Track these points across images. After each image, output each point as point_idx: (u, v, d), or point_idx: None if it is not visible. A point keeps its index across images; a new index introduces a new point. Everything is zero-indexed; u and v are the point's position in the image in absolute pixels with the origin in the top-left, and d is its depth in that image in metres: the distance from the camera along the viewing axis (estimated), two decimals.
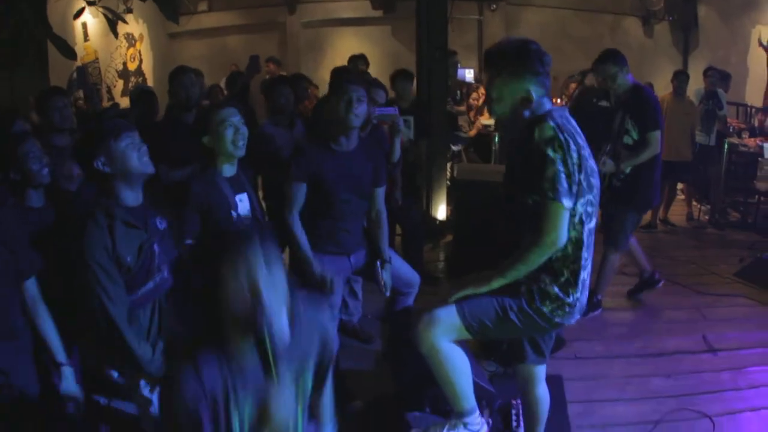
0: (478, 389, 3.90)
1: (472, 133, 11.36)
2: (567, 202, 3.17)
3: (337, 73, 7.48)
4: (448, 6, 8.47)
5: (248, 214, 4.15)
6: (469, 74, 14.37)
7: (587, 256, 3.42)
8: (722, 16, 14.32)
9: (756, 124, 11.70)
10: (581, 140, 3.27)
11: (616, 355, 5.88)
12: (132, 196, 3.36)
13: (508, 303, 3.40)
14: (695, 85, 10.53)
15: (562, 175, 3.13)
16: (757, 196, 10.04)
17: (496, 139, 10.21)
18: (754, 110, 12.39)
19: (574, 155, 3.16)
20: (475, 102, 11.98)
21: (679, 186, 10.52)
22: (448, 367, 3.53)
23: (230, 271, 2.12)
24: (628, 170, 6.25)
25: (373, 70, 8.75)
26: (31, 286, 3.34)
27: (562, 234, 3.22)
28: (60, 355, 3.42)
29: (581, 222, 3.31)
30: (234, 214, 4.06)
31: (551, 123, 3.17)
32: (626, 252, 6.76)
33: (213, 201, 3.99)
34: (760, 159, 9.69)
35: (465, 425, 3.67)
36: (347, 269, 4.84)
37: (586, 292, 3.51)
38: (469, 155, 11.00)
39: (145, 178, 3.38)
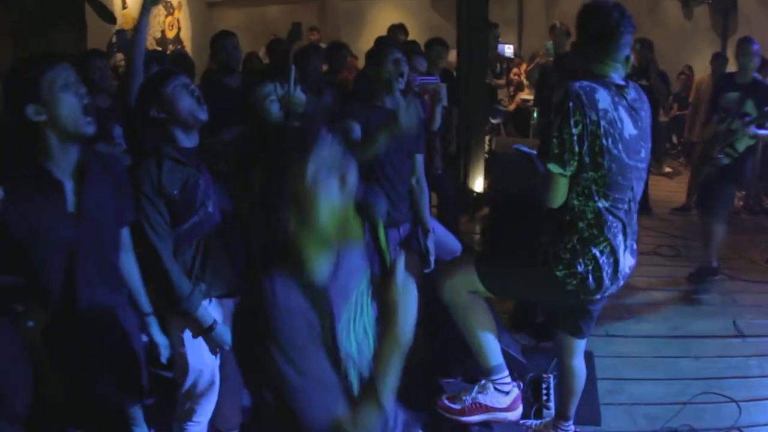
0: (509, 360, 3.97)
1: (512, 107, 11.34)
2: (554, 168, 3.25)
3: (381, 42, 7.54)
4: None
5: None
6: (508, 49, 14.26)
7: (598, 234, 3.39)
8: (761, 1, 14.14)
9: None
10: (596, 115, 3.21)
11: (646, 335, 5.92)
12: (186, 139, 3.42)
13: (527, 263, 3.49)
14: (733, 69, 10.44)
15: (554, 141, 3.21)
16: None
17: (535, 113, 10.16)
18: None
19: (576, 127, 3.18)
20: (516, 77, 11.94)
21: None
22: (471, 319, 3.64)
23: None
24: (742, 150, 6.52)
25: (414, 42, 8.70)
26: (126, 234, 3.38)
27: (551, 196, 3.35)
28: (146, 305, 3.49)
29: (584, 195, 3.33)
30: None
31: (564, 90, 3.22)
32: (702, 229, 7.01)
33: None
34: None
35: (493, 384, 3.74)
36: (396, 241, 4.84)
37: (608, 272, 3.47)
38: (507, 129, 10.99)
39: (198, 121, 3.42)
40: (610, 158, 3.27)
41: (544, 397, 4.47)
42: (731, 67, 10.07)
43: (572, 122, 3.16)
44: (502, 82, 11.81)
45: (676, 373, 5.26)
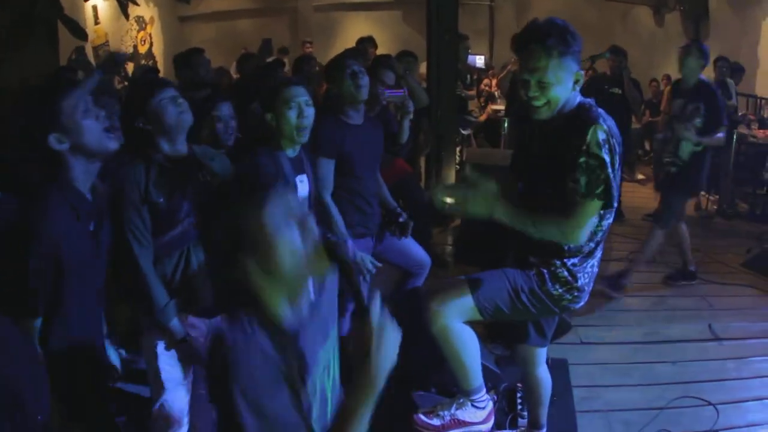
0: (484, 371, 3.92)
1: (482, 118, 11.36)
2: (615, 205, 3.22)
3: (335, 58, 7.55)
4: None
5: (306, 196, 4.13)
6: (479, 60, 14.34)
7: (599, 249, 3.46)
8: (733, 7, 14.25)
9: (765, 115, 11.65)
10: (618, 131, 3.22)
11: (621, 341, 5.90)
12: (173, 149, 3.41)
13: (520, 285, 3.43)
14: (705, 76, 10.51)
15: (612, 179, 3.11)
16: (765, 188, 10.02)
17: (505, 124, 10.20)
18: (764, 101, 12.34)
19: (618, 160, 3.15)
20: (487, 88, 11.96)
21: None
22: (459, 347, 3.55)
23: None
24: (686, 157, 6.54)
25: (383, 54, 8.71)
26: None
27: (586, 236, 3.25)
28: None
29: (600, 216, 3.29)
30: (299, 195, 4.03)
31: (604, 125, 3.11)
32: (671, 236, 6.98)
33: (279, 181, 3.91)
34: None
35: (472, 402, 3.71)
36: (370, 249, 4.90)
37: (593, 279, 3.54)
38: (478, 140, 11.00)
39: (184, 130, 3.42)
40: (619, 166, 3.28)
41: (519, 407, 4.46)
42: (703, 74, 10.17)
43: (617, 157, 3.14)
44: (472, 92, 11.82)
45: (653, 378, 5.25)
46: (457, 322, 3.50)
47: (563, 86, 3.17)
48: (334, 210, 4.53)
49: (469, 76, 11.44)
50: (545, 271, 3.41)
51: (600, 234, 3.38)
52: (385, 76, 5.87)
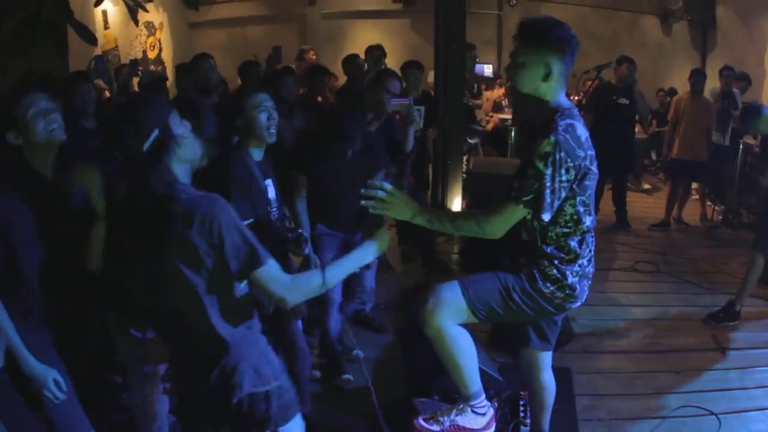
0: (486, 378, 3.95)
1: (489, 127, 11.37)
2: (546, 216, 3.26)
3: (349, 60, 7.97)
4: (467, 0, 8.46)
5: (275, 197, 4.18)
6: (488, 69, 14.34)
7: (585, 247, 3.49)
8: (741, 16, 14.23)
9: None
10: (582, 153, 3.28)
11: (625, 351, 5.93)
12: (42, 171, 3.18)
13: (511, 284, 3.47)
14: (713, 85, 10.54)
15: (548, 191, 3.20)
16: None
17: (513, 133, 10.24)
18: None
19: (568, 174, 3.22)
20: (494, 97, 12.00)
21: (694, 185, 10.54)
22: (454, 349, 3.56)
23: None
24: None
25: (392, 63, 8.68)
26: None
27: (502, 231, 3.37)
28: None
29: (574, 221, 3.40)
30: (269, 197, 4.11)
31: (552, 138, 3.18)
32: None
33: (253, 184, 3.99)
34: None
35: (471, 408, 3.72)
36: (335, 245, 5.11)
37: (588, 279, 3.59)
38: (485, 149, 11.01)
39: (52, 150, 3.16)
40: (591, 176, 3.36)
41: (521, 414, 4.47)
42: (710, 82, 10.18)
43: (563, 170, 3.20)
44: (480, 102, 11.88)
45: (656, 387, 5.27)
46: (452, 324, 3.52)
47: (532, 72, 3.35)
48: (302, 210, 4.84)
49: (476, 86, 11.47)
50: (535, 270, 3.45)
51: (579, 236, 3.44)
52: (391, 85, 5.92)
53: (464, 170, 8.92)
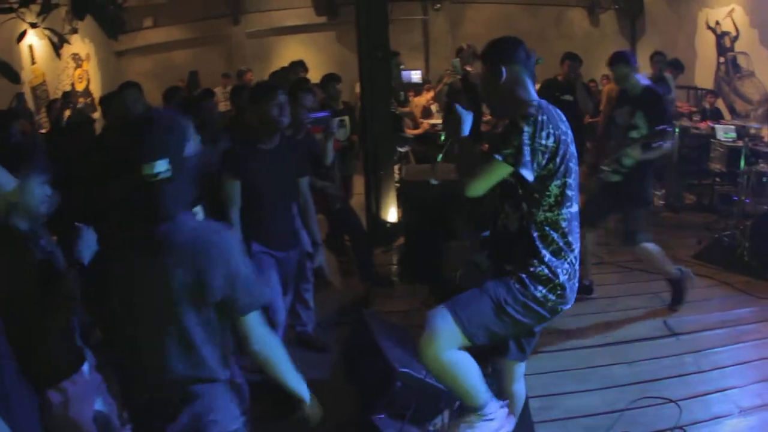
0: (436, 392, 3.90)
1: (419, 131, 11.38)
2: (526, 173, 3.25)
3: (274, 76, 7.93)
4: (389, 7, 8.39)
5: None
6: (415, 75, 14.37)
7: (571, 241, 3.46)
8: (668, 2, 14.40)
9: (707, 106, 11.74)
10: (564, 127, 3.38)
11: (576, 347, 5.84)
12: None
13: (503, 297, 3.39)
14: (644, 72, 10.58)
15: (527, 148, 3.22)
16: (711, 178, 10.11)
17: (442, 137, 10.19)
18: (704, 93, 12.44)
19: (548, 138, 3.25)
20: (423, 102, 12.00)
21: None
22: (456, 375, 3.48)
23: None
24: (629, 165, 6.31)
25: (320, 76, 8.67)
26: None
27: (483, 188, 3.42)
28: None
29: (558, 204, 3.37)
30: None
31: (536, 103, 3.34)
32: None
33: None
34: (712, 141, 9.71)
35: (482, 417, 3.63)
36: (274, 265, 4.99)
37: (576, 277, 3.54)
38: (416, 156, 10.97)
39: None
40: (574, 159, 3.40)
41: None
42: (640, 70, 10.22)
43: (544, 134, 3.24)
44: (407, 110, 11.87)
45: (611, 381, 5.19)
46: (449, 352, 3.42)
47: (489, 82, 3.57)
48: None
49: (403, 93, 11.47)
50: (524, 275, 3.38)
51: (566, 222, 3.41)
52: (304, 99, 5.84)
53: (397, 179, 8.83)
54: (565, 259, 3.42)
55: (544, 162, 3.27)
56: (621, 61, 6.43)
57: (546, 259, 3.37)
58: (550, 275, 3.37)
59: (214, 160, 5.21)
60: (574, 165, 3.40)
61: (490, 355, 4.45)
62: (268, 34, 16.91)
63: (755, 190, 8.04)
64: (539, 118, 3.23)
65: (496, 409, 3.64)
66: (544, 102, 3.39)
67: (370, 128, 8.02)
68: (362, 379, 4.38)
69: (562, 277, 3.40)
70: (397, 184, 8.65)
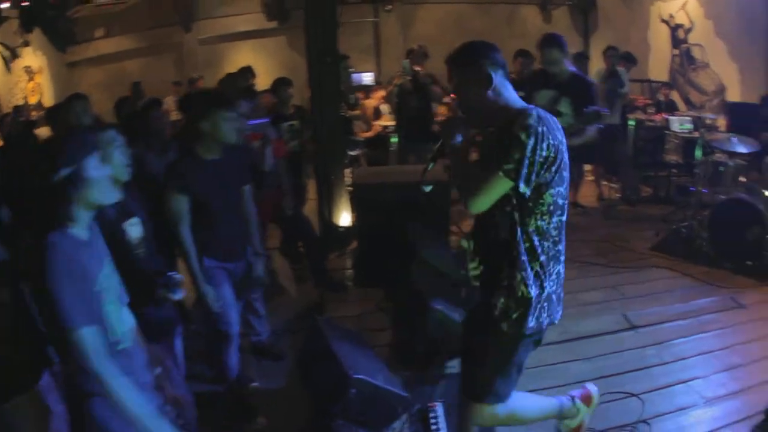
0: (392, 397, 3.86)
1: (370, 134, 11.35)
2: (522, 187, 3.21)
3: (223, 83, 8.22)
4: (338, 10, 8.33)
5: (141, 237, 4.04)
6: (366, 78, 14.32)
7: (561, 249, 3.47)
8: None
9: (662, 98, 11.81)
10: (560, 136, 3.30)
11: None
12: None
13: (511, 351, 3.49)
14: (598, 66, 10.64)
15: (526, 161, 3.16)
16: (667, 170, 10.14)
17: (393, 139, 10.30)
18: (658, 85, 12.53)
19: (548, 150, 3.19)
20: (374, 104, 11.98)
21: (587, 168, 10.50)
22: (521, 417, 3.79)
23: None
24: None
25: (270, 82, 8.61)
26: None
27: (486, 203, 3.31)
28: None
29: (549, 213, 3.34)
30: (129, 239, 4.00)
31: (534, 113, 3.21)
32: None
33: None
34: (666, 132, 9.76)
35: (567, 416, 4.10)
36: (227, 278, 4.98)
37: (561, 302, 3.55)
38: (367, 159, 10.94)
39: None
40: (566, 167, 3.36)
41: (434, 427, 4.31)
42: (595, 64, 10.28)
43: (544, 145, 3.17)
44: (357, 113, 11.86)
45: (570, 378, 5.11)
46: (499, 408, 3.63)
47: (471, 90, 3.44)
48: (188, 242, 4.71)
49: (353, 96, 11.44)
50: (503, 299, 3.38)
51: (552, 232, 3.39)
52: (240, 105, 5.80)
53: (348, 183, 8.79)
54: (553, 269, 3.41)
55: (542, 172, 3.23)
56: (555, 45, 6.45)
57: (532, 273, 3.35)
58: (532, 292, 3.35)
59: (161, 170, 5.14)
60: (566, 173, 3.36)
61: (425, 366, 4.48)
62: (220, 41, 16.81)
63: (712, 180, 8.04)
64: (539, 129, 3.16)
65: (571, 403, 4.04)
66: (542, 111, 3.29)
67: (320, 133, 7.98)
68: (317, 385, 4.32)
69: (550, 288, 3.41)
70: (350, 188, 8.58)
